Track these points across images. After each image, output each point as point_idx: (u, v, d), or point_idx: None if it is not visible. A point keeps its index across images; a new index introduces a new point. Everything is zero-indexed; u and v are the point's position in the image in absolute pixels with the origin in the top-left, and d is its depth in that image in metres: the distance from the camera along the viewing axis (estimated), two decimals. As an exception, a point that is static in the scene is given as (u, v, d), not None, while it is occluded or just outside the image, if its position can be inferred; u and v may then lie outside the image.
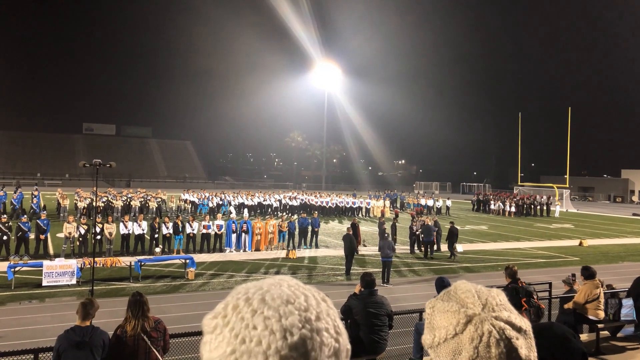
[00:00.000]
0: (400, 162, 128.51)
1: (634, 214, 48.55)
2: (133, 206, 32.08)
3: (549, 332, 1.91)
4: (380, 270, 16.29)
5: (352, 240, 17.82)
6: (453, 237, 21.41)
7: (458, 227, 22.83)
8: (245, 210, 33.18)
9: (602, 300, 9.27)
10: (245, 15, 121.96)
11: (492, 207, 45.61)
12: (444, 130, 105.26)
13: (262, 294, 0.82)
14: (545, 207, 45.72)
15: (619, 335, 9.73)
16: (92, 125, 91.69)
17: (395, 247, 21.77)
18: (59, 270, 14.80)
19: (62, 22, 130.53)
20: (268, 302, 0.80)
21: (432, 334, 1.04)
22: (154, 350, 5.85)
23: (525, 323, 1.04)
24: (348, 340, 0.85)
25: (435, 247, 22.16)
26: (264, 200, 37.61)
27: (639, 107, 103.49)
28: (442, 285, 7.67)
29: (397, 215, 28.71)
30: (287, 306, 0.79)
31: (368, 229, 29.71)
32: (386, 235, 18.20)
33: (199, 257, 18.91)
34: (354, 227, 22.54)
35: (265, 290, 0.83)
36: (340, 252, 22.21)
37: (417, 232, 22.41)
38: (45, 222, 19.29)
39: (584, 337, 9.44)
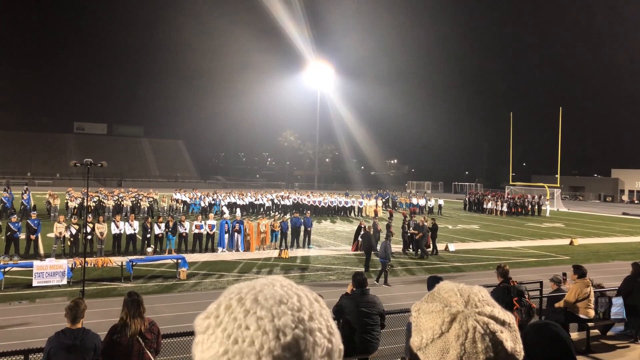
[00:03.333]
0: (392, 161, 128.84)
1: (624, 213, 48.96)
2: (124, 206, 31.91)
3: (545, 330, 1.92)
4: (379, 270, 16.43)
5: (370, 238, 18.46)
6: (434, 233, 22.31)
7: (449, 227, 22.92)
8: (238, 209, 33.12)
9: (592, 299, 9.35)
10: (237, 14, 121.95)
11: (484, 206, 45.87)
12: (436, 130, 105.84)
13: (255, 294, 0.81)
14: (536, 207, 46.01)
15: (609, 333, 9.83)
16: (84, 125, 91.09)
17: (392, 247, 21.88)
18: (50, 271, 14.69)
19: (52, 21, 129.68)
20: (261, 302, 0.80)
21: (420, 336, 1.05)
22: (147, 352, 5.81)
23: (508, 316, 1.05)
24: (341, 341, 0.85)
25: (431, 249, 22.09)
26: (255, 200, 37.58)
27: (630, 107, 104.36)
28: (435, 284, 7.69)
29: (391, 215, 28.79)
30: (280, 306, 0.79)
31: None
32: (385, 236, 18.45)
33: (191, 257, 18.84)
34: (375, 227, 22.71)
35: (258, 290, 0.83)
36: (333, 252, 22.23)
37: (409, 232, 22.46)
38: (35, 222, 19.14)
39: (574, 335, 9.51)
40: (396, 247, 23.03)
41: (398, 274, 18.03)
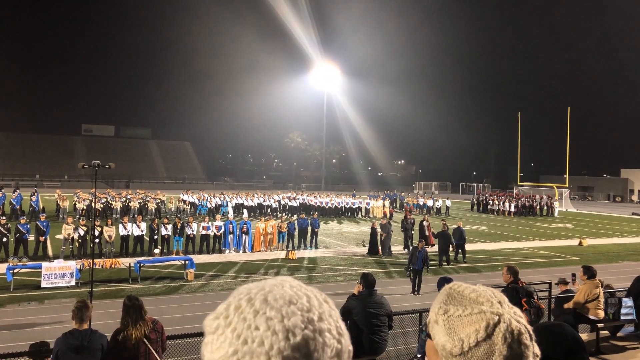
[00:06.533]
0: (399, 162, 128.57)
1: (634, 214, 48.59)
2: (132, 207, 32.04)
3: (557, 331, 1.91)
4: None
5: (446, 237, 19.41)
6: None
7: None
8: (245, 211, 33.17)
9: (602, 299, 9.28)
10: (244, 15, 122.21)
11: (490, 206, 45.67)
12: (443, 130, 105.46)
13: (265, 295, 0.81)
14: (545, 207, 45.77)
15: (618, 334, 9.75)
16: (91, 127, 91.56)
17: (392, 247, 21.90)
18: (58, 272, 14.78)
19: (60, 23, 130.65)
20: (270, 302, 0.80)
21: (460, 341, 1.02)
22: (154, 352, 5.83)
23: (523, 317, 1.07)
24: (350, 342, 0.85)
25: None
26: (263, 201, 37.60)
27: (638, 106, 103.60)
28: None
29: (391, 215, 28.66)
30: (290, 307, 0.79)
31: (368, 229, 29.69)
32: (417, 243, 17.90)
33: (198, 258, 18.90)
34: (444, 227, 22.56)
35: (268, 290, 0.82)
36: (339, 254, 22.29)
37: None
38: (44, 223, 19.27)
39: (584, 336, 9.44)
40: (396, 248, 23.01)
41: (403, 274, 17.97)
